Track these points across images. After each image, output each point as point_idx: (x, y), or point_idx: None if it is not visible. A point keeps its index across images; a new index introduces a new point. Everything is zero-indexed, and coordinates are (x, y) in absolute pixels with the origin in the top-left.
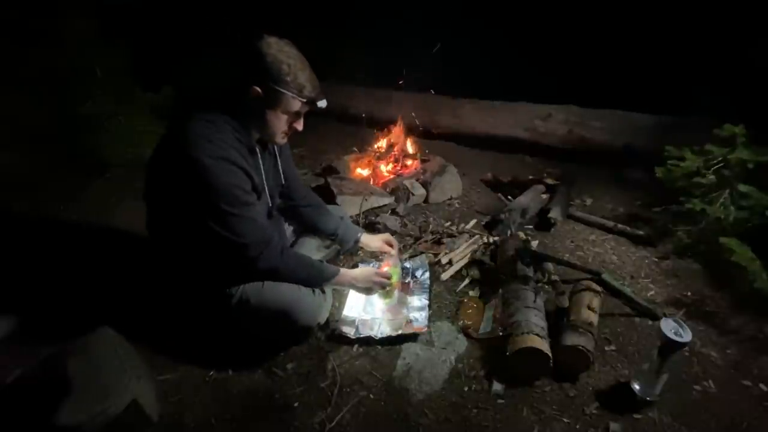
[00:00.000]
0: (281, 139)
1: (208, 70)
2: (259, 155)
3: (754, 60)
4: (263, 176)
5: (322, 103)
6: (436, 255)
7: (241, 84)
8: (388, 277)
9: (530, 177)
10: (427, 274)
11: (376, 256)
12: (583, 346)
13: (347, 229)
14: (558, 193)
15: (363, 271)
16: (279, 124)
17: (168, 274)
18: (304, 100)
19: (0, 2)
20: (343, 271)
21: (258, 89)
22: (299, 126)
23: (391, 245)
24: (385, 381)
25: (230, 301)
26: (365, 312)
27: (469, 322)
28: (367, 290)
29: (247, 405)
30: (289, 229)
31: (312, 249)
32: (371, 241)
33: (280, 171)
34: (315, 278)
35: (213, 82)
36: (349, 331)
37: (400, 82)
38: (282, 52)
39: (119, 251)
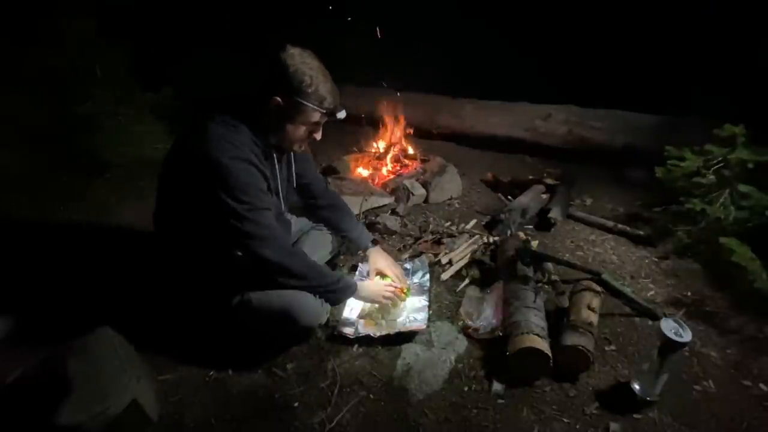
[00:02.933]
0: (298, 148)
1: (226, 73)
2: (275, 159)
3: (754, 60)
4: (278, 180)
5: (341, 115)
6: (436, 255)
7: (263, 93)
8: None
9: (530, 177)
10: (427, 276)
11: None
12: (583, 346)
13: (361, 235)
14: (558, 193)
15: (371, 285)
16: (298, 133)
17: (171, 272)
18: (324, 111)
19: (0, 2)
20: (354, 283)
21: (279, 99)
22: (318, 136)
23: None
24: (385, 381)
25: (231, 300)
26: (364, 314)
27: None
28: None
29: (247, 405)
30: (294, 227)
31: (319, 243)
32: (377, 261)
33: (293, 175)
34: (320, 285)
35: (230, 85)
36: (349, 332)
37: (397, 83)
38: (305, 64)
39: (119, 251)
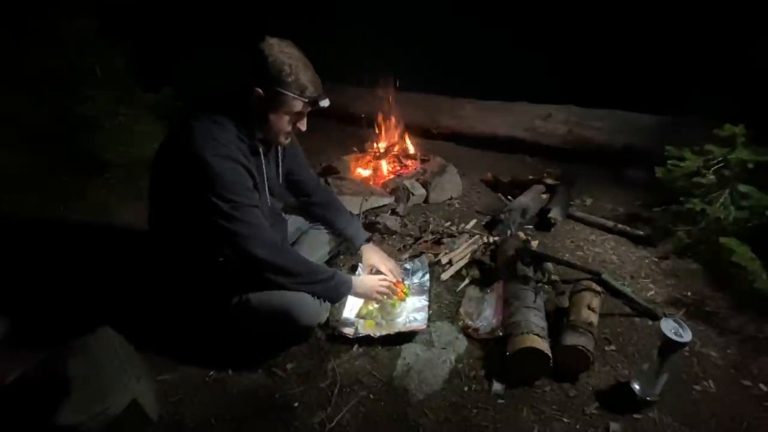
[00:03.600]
0: (284, 139)
1: (211, 70)
2: (262, 155)
3: (753, 60)
4: (264, 176)
5: (324, 103)
6: (436, 255)
7: (244, 85)
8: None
9: (530, 177)
10: (427, 276)
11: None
12: (583, 346)
13: (357, 232)
14: (558, 193)
15: (365, 280)
16: (282, 124)
17: (168, 273)
18: (306, 101)
19: (0, 2)
20: (349, 279)
21: (260, 91)
22: (302, 126)
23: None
24: (385, 381)
25: (230, 300)
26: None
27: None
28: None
29: (247, 405)
30: (292, 227)
31: (318, 243)
32: (370, 257)
33: (281, 171)
34: (314, 282)
35: (216, 82)
36: (349, 332)
37: (397, 83)
38: (283, 53)
39: (119, 251)
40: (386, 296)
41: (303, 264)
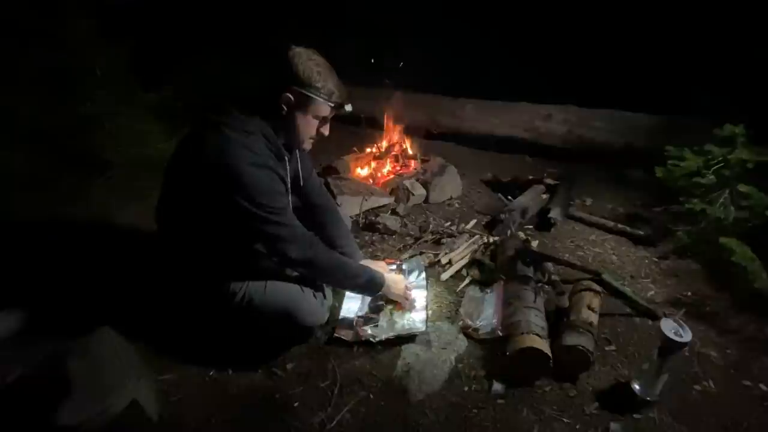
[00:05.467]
0: (308, 144)
1: (232, 76)
2: (286, 160)
3: (753, 60)
4: (288, 179)
5: (349, 108)
6: (436, 255)
7: (273, 90)
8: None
9: (530, 177)
10: (423, 275)
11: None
12: (583, 346)
13: (354, 251)
14: (558, 193)
15: (397, 283)
16: (308, 128)
17: (173, 272)
18: (333, 105)
19: (0, 2)
20: (381, 276)
21: (290, 96)
22: (326, 131)
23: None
24: (385, 381)
25: (232, 300)
26: (362, 313)
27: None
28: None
29: (247, 405)
30: None
31: None
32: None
33: (300, 174)
34: (345, 278)
35: (240, 90)
36: (347, 335)
37: (397, 83)
38: (311, 61)
39: (119, 251)
40: (409, 302)
41: (336, 266)
